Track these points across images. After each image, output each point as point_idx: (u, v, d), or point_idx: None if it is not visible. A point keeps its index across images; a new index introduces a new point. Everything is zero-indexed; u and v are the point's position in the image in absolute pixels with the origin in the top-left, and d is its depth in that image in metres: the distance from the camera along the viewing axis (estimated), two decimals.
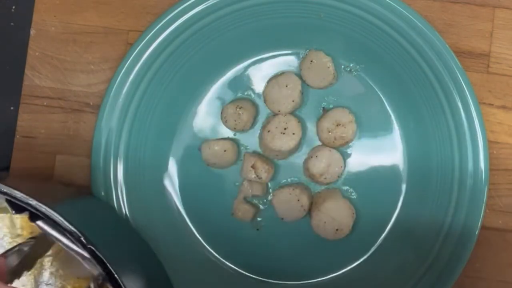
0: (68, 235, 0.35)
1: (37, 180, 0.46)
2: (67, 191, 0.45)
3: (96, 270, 0.35)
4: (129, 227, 0.44)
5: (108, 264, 0.34)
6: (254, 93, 0.47)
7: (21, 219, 0.39)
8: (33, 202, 0.35)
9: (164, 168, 0.46)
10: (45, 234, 0.35)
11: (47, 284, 0.37)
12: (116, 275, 0.34)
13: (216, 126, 0.47)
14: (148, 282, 0.39)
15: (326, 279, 0.46)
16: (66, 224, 0.34)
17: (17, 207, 0.35)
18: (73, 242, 0.35)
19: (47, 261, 0.37)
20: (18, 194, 0.35)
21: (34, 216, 0.35)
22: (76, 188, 0.46)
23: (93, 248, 0.34)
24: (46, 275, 0.37)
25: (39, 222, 0.35)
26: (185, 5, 0.44)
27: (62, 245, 0.35)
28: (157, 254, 0.45)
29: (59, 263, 0.38)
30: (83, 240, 0.34)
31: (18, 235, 0.39)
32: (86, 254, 0.35)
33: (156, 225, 0.45)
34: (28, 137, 0.47)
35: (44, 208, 0.35)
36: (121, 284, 0.34)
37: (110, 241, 0.38)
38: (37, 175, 0.47)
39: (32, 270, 0.37)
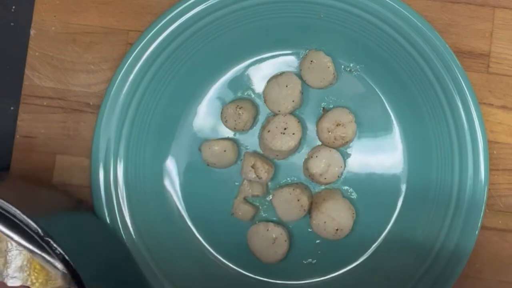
0: (26, 231, 0.35)
1: (36, 185, 0.46)
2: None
3: (57, 269, 0.35)
4: (119, 245, 0.44)
5: (67, 258, 0.35)
6: (254, 93, 0.47)
7: None
8: None
9: (164, 168, 0.46)
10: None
11: (12, 277, 0.37)
12: (77, 270, 0.35)
13: (216, 126, 0.47)
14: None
15: (326, 279, 0.46)
16: (22, 216, 0.35)
17: None
18: (30, 242, 0.35)
19: (13, 255, 0.37)
20: None
21: None
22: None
23: (51, 241, 0.35)
24: (12, 268, 0.37)
25: None
26: (185, 5, 0.44)
27: (17, 244, 0.35)
28: (157, 254, 0.45)
29: (28, 257, 0.38)
30: (40, 233, 0.35)
31: None
32: (44, 254, 0.35)
33: (156, 225, 0.45)
34: (28, 137, 0.47)
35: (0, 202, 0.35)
36: (82, 280, 0.35)
37: (87, 254, 0.38)
38: (37, 175, 0.47)
39: None
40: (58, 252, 0.35)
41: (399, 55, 0.44)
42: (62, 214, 0.41)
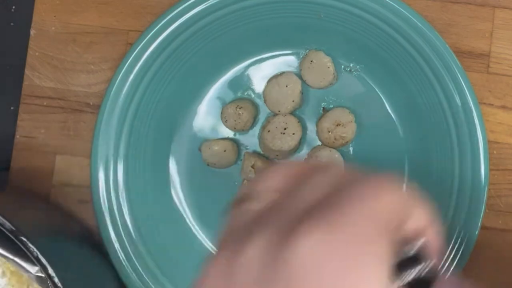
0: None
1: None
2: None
3: (30, 273, 0.35)
4: (104, 266, 0.44)
5: (41, 258, 0.35)
6: (254, 93, 0.47)
7: None
8: None
9: (164, 168, 0.46)
10: None
11: None
12: (49, 268, 0.35)
13: (216, 126, 0.47)
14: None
15: None
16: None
17: None
18: (3, 246, 0.35)
19: None
20: None
21: None
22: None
23: (24, 239, 0.35)
24: None
25: None
26: (185, 5, 0.44)
27: None
28: (156, 253, 0.45)
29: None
30: (16, 232, 0.35)
31: None
32: (17, 259, 0.35)
33: (156, 225, 0.45)
34: (28, 137, 0.47)
35: None
36: (55, 277, 0.35)
37: (64, 261, 0.38)
38: (37, 175, 0.47)
39: None
40: (32, 250, 0.35)
41: (399, 55, 0.44)
42: (50, 235, 0.41)
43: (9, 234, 0.35)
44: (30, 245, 0.35)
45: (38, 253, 0.35)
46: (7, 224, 0.35)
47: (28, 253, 0.35)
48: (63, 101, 0.47)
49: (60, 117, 0.47)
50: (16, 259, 0.35)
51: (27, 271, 0.35)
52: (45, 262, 0.35)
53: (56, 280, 0.35)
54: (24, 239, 0.35)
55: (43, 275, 0.35)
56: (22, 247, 0.35)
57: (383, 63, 0.45)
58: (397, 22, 0.44)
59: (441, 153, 0.44)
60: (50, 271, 0.35)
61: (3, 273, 0.37)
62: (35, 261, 0.35)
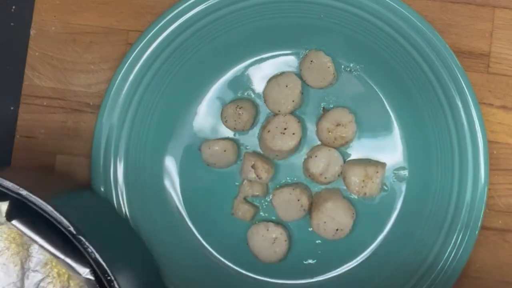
0: (50, 234, 0.34)
1: (38, 172, 0.46)
2: (67, 184, 0.44)
3: (79, 274, 0.34)
4: (127, 225, 0.44)
5: (99, 258, 0.34)
6: (254, 93, 0.47)
7: None
8: (24, 192, 0.34)
9: (164, 168, 0.46)
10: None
11: (33, 271, 0.37)
12: (108, 271, 0.34)
13: (216, 126, 0.47)
14: (141, 281, 0.39)
15: (326, 279, 0.46)
16: (55, 213, 0.34)
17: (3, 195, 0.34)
18: (54, 245, 0.35)
19: (35, 248, 0.37)
20: (9, 184, 0.34)
21: (12, 214, 0.34)
22: (77, 183, 0.46)
23: (83, 239, 0.34)
24: (33, 261, 0.37)
25: (15, 222, 0.34)
26: (185, 5, 0.44)
27: (40, 247, 0.35)
28: (156, 253, 0.45)
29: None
30: (73, 230, 0.34)
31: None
32: (68, 260, 0.35)
33: (156, 225, 0.45)
34: (28, 137, 0.47)
35: (33, 198, 0.34)
36: (114, 280, 0.34)
37: (104, 237, 0.38)
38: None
39: (19, 256, 0.37)
40: (90, 251, 0.34)
41: (399, 55, 0.44)
42: (66, 193, 0.40)
43: (68, 235, 0.34)
44: (87, 244, 0.34)
45: (97, 254, 0.34)
46: (65, 222, 0.34)
47: (86, 255, 0.34)
48: (63, 101, 0.47)
49: (60, 117, 0.47)
50: (67, 259, 0.34)
51: (76, 272, 0.34)
52: (104, 265, 0.34)
53: (116, 285, 0.34)
54: (83, 239, 0.34)
55: (92, 278, 0.34)
56: (81, 247, 0.34)
57: (383, 63, 0.45)
58: (397, 22, 0.44)
59: (441, 153, 0.44)
60: (109, 272, 0.34)
61: (45, 262, 0.36)
62: (93, 263, 0.34)
